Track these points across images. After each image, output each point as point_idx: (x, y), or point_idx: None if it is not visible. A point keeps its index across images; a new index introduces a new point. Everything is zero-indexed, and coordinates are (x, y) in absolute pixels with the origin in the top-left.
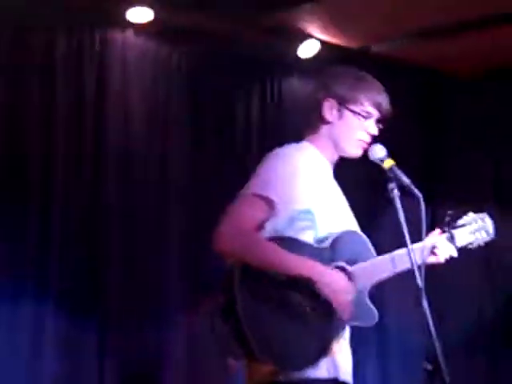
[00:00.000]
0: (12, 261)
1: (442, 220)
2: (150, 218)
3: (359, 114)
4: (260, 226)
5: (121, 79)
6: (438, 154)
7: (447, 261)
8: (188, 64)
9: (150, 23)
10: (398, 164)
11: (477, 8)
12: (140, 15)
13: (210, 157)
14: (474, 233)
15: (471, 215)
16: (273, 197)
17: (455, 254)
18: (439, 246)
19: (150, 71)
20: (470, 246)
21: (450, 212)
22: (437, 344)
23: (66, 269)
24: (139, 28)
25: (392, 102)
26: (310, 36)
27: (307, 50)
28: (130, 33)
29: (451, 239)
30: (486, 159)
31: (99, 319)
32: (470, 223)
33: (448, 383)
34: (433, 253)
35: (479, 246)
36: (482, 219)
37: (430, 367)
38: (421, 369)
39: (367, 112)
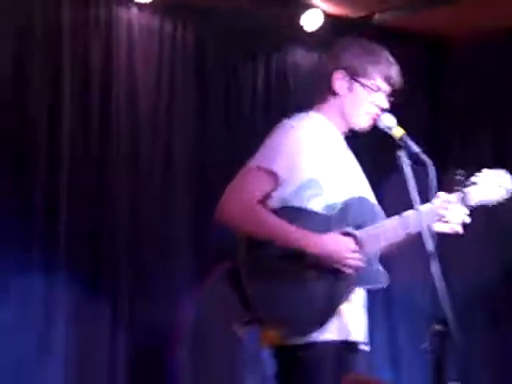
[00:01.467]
0: (22, 234)
1: (450, 182)
2: (156, 192)
3: (369, 87)
4: (264, 198)
5: (126, 56)
6: (441, 122)
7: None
8: (192, 39)
9: (154, 0)
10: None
11: None
12: None
13: (216, 130)
14: (489, 190)
15: (486, 171)
16: (276, 169)
17: (467, 219)
18: (450, 208)
19: (154, 47)
20: (489, 204)
21: (459, 171)
22: (446, 306)
23: (76, 244)
24: (143, 4)
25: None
26: (313, 6)
27: (311, 20)
28: (134, 9)
29: (463, 199)
30: (487, 124)
31: (111, 293)
32: (483, 181)
33: (459, 344)
34: (443, 220)
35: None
36: (498, 174)
37: (439, 328)
38: (427, 331)
39: (377, 86)
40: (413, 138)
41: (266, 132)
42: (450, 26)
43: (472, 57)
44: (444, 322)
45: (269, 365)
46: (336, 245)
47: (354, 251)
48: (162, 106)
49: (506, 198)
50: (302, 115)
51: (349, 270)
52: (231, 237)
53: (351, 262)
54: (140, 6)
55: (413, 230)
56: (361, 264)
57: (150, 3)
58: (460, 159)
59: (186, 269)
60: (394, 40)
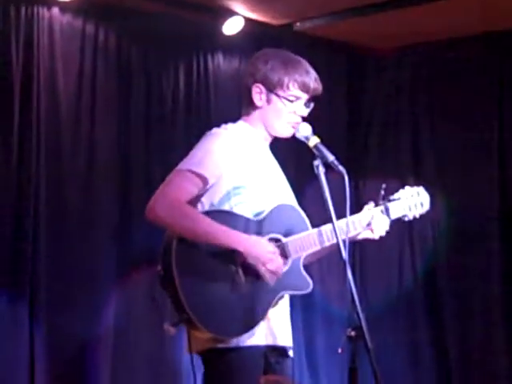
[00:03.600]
0: None
1: (374, 193)
2: (78, 192)
3: (287, 98)
4: (193, 200)
5: (48, 56)
6: (360, 129)
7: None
8: (115, 41)
9: (75, 0)
10: (323, 140)
11: None
12: None
13: (138, 132)
14: (409, 206)
15: (407, 189)
16: (206, 174)
17: (387, 228)
18: (374, 219)
19: (76, 48)
20: (406, 219)
21: (384, 186)
22: (360, 311)
23: None
24: (65, 5)
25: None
26: (235, 13)
27: (232, 26)
28: (56, 10)
29: (386, 212)
30: (405, 133)
31: (30, 293)
32: (405, 197)
33: (371, 348)
34: (368, 227)
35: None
36: (418, 193)
37: (353, 333)
38: (343, 335)
39: (295, 96)
40: (330, 147)
41: (186, 135)
42: (370, 36)
43: (391, 66)
44: (357, 327)
45: (196, 368)
46: (263, 248)
47: (277, 258)
48: (83, 107)
49: (422, 214)
50: (230, 124)
51: (269, 277)
52: (155, 240)
53: (272, 268)
54: (62, 6)
55: (328, 243)
56: (280, 272)
57: (73, 4)
58: (378, 167)
59: (108, 272)
60: (314, 48)
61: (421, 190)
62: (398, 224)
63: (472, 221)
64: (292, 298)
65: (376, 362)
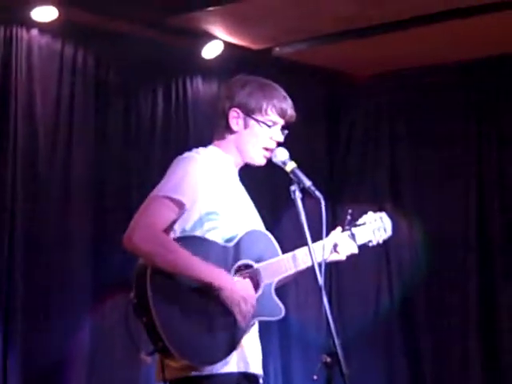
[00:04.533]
0: None
1: (343, 218)
2: (53, 216)
3: (264, 123)
4: (170, 227)
5: (26, 78)
6: (338, 155)
7: (348, 257)
8: (93, 63)
9: (54, 22)
10: (300, 166)
11: (371, 16)
12: (45, 14)
13: (115, 156)
14: (373, 231)
15: (370, 214)
16: (183, 199)
17: (356, 251)
18: (341, 244)
19: (54, 70)
20: (370, 244)
21: (350, 211)
22: (336, 338)
23: None
24: (44, 27)
25: (293, 103)
26: (214, 37)
27: (211, 50)
28: (34, 32)
29: (352, 237)
30: (383, 158)
31: (4, 311)
32: (369, 222)
33: (346, 375)
34: (335, 250)
35: (378, 243)
36: (381, 218)
37: (328, 360)
38: (320, 361)
39: (272, 121)
40: (308, 172)
41: (164, 159)
42: (349, 62)
43: (369, 92)
44: (333, 353)
45: None
46: (237, 289)
47: (253, 306)
48: (61, 129)
49: (385, 239)
50: (202, 149)
51: (239, 317)
52: (131, 260)
53: (243, 311)
54: (41, 28)
55: (304, 265)
56: (247, 318)
57: (52, 26)
58: (357, 192)
59: (84, 292)
60: (293, 73)
61: (383, 215)
62: (374, 249)
63: (449, 245)
64: (269, 323)
65: None
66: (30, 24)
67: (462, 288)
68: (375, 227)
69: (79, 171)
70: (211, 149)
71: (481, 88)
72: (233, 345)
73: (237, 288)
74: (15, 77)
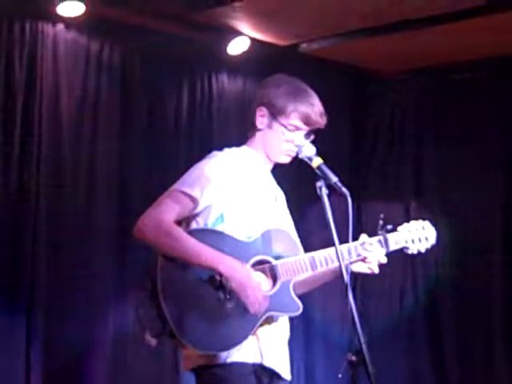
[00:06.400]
0: None
1: (376, 216)
2: (78, 210)
3: (285, 126)
4: (188, 220)
5: (52, 73)
6: (364, 151)
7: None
8: (119, 59)
9: (80, 17)
10: (325, 162)
11: (398, 12)
12: (71, 9)
13: (139, 148)
14: (412, 239)
15: (412, 222)
16: (196, 195)
17: (384, 260)
18: (371, 249)
19: (80, 65)
20: (408, 251)
21: (382, 215)
22: (361, 336)
23: None
24: (70, 22)
25: (319, 99)
26: (240, 33)
27: (237, 46)
28: (60, 26)
29: (384, 242)
30: (409, 155)
31: (27, 305)
32: (408, 230)
33: (372, 374)
34: (363, 260)
35: (419, 252)
36: (423, 227)
37: (354, 358)
38: (344, 360)
39: (294, 125)
40: (333, 168)
41: (188, 153)
42: (376, 58)
43: (396, 89)
44: (358, 351)
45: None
46: (246, 275)
47: (264, 296)
48: (85, 124)
49: (427, 248)
50: (234, 148)
51: (249, 303)
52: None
53: (252, 298)
54: (67, 23)
55: (322, 269)
56: (258, 306)
57: (78, 21)
58: (381, 190)
59: (107, 285)
60: (319, 69)
61: (426, 224)
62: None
63: (475, 246)
64: (292, 322)
65: None
66: (56, 19)
67: (487, 288)
68: (415, 236)
69: (104, 165)
70: (243, 149)
71: (509, 85)
72: (242, 335)
73: (246, 276)
74: (41, 72)
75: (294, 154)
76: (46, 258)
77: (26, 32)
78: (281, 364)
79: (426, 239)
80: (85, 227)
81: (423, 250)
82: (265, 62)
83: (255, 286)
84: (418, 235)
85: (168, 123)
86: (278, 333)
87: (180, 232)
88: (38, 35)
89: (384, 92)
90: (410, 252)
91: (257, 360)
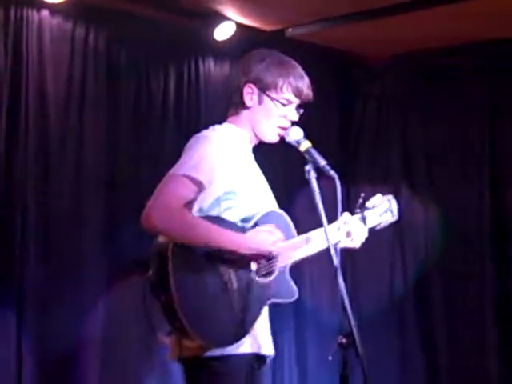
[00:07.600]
0: None
1: (355, 201)
2: (65, 198)
3: (279, 101)
4: (188, 205)
5: (37, 59)
6: (351, 135)
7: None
8: (105, 44)
9: (65, 3)
10: (315, 146)
11: None
12: None
13: (126, 135)
14: (381, 214)
15: (379, 197)
16: (202, 179)
17: (366, 235)
18: (353, 227)
19: (66, 51)
20: (378, 227)
21: (363, 195)
22: (351, 319)
23: None
24: (55, 8)
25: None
26: (227, 18)
27: (223, 31)
28: (45, 12)
29: (363, 220)
30: (396, 139)
31: (17, 297)
32: (378, 205)
33: (362, 356)
34: (348, 235)
35: (384, 226)
36: (389, 200)
37: (344, 341)
38: (335, 342)
39: (287, 99)
40: (321, 152)
41: (175, 139)
42: (363, 43)
43: (383, 74)
44: (348, 334)
45: (178, 376)
46: (261, 235)
47: (279, 237)
48: (72, 110)
49: (391, 222)
50: (218, 126)
51: (276, 249)
52: (144, 243)
53: (275, 242)
54: (52, 9)
55: (318, 248)
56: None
57: (63, 6)
58: (369, 173)
59: (97, 277)
60: (305, 55)
61: (391, 198)
62: (389, 231)
63: (464, 228)
64: (283, 305)
65: (367, 370)
66: (41, 5)
67: (478, 270)
68: (384, 210)
69: (91, 152)
70: (226, 126)
71: (496, 70)
72: (248, 327)
73: (257, 236)
74: (26, 58)
75: (285, 131)
76: (35, 248)
77: (11, 18)
78: (271, 346)
79: (392, 213)
80: (73, 216)
81: (387, 225)
82: (251, 47)
83: (272, 231)
84: (385, 208)
85: (155, 108)
86: (264, 318)
87: (192, 218)
88: (22, 21)
89: (371, 77)
90: (378, 228)
91: (254, 350)
